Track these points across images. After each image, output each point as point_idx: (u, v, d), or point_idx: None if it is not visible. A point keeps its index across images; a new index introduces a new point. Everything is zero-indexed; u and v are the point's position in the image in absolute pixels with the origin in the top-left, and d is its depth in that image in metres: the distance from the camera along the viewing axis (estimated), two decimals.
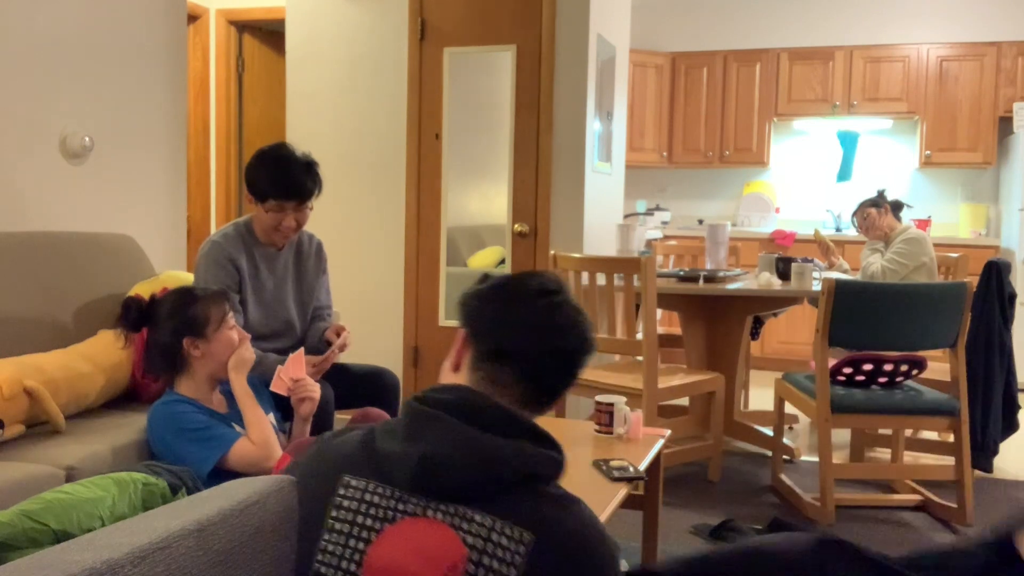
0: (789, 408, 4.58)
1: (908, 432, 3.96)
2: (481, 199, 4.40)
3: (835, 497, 3.21)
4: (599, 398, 2.50)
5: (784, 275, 4.03)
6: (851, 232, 6.21)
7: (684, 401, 4.44)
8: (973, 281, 3.24)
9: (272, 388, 2.37)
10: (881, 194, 4.40)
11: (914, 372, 3.25)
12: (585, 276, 3.57)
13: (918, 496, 3.36)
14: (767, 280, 3.81)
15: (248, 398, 2.25)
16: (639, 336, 3.36)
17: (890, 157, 6.47)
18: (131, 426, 2.38)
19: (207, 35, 5.60)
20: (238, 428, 2.25)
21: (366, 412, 2.48)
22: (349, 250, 4.63)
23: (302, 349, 2.46)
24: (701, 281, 3.84)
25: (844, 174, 6.45)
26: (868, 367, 3.23)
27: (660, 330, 4.69)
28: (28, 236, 2.73)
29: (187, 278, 2.87)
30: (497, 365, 1.27)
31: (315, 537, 1.21)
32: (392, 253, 4.55)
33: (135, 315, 2.33)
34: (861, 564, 1.33)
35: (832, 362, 3.24)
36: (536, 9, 4.22)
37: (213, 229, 5.53)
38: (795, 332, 6.15)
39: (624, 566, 2.63)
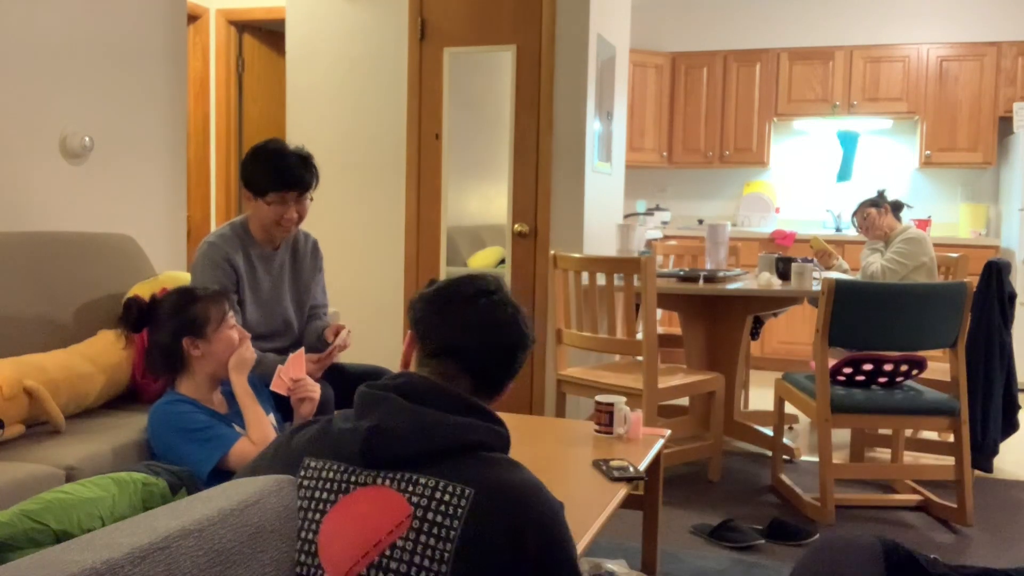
0: (789, 408, 4.58)
1: (908, 432, 3.96)
2: (481, 199, 4.40)
3: (835, 497, 3.21)
4: (599, 398, 2.50)
5: (784, 275, 4.03)
6: (851, 232, 6.21)
7: (684, 401, 4.44)
8: (973, 281, 3.24)
9: (272, 388, 2.37)
10: (881, 194, 4.40)
11: (914, 372, 3.25)
12: (585, 276, 3.57)
13: (918, 496, 3.36)
14: (767, 280, 3.81)
15: (248, 398, 2.25)
16: (639, 336, 3.36)
17: (890, 157, 6.47)
18: (131, 426, 2.38)
19: (207, 35, 5.60)
20: (238, 428, 2.25)
21: None
22: (349, 250, 4.63)
23: (303, 349, 2.46)
24: (701, 281, 3.84)
25: (844, 174, 6.45)
26: (868, 367, 3.23)
27: (660, 330, 4.69)
28: (28, 236, 2.73)
29: (187, 278, 2.87)
30: (442, 361, 1.38)
31: None
32: (392, 253, 4.55)
33: (136, 315, 2.33)
34: None
35: (832, 362, 3.24)
36: (536, 9, 4.22)
37: (213, 229, 5.53)
38: (795, 332, 6.15)
39: (624, 566, 2.64)
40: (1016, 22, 6.13)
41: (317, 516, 1.26)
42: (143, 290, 2.75)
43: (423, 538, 1.21)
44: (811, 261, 4.17)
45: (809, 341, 5.94)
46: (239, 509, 1.09)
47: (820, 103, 6.34)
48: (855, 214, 4.41)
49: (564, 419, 2.87)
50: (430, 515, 1.21)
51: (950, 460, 3.81)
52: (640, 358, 3.38)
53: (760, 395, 5.30)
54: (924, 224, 6.08)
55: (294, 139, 4.69)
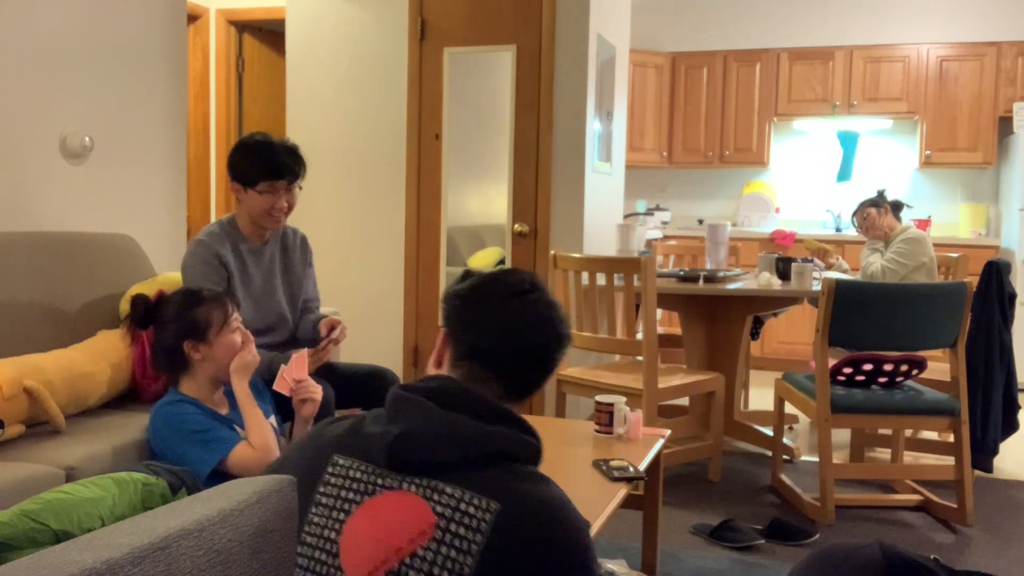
0: (789, 408, 4.58)
1: (908, 432, 3.96)
2: (481, 199, 4.40)
3: (835, 497, 3.21)
4: (599, 398, 2.50)
5: (784, 275, 4.03)
6: (851, 232, 6.21)
7: (684, 401, 4.44)
8: (973, 281, 3.24)
9: (275, 388, 2.37)
10: (881, 194, 4.40)
11: (914, 372, 3.25)
12: (585, 276, 3.57)
13: (918, 496, 3.36)
14: (767, 280, 3.81)
15: (249, 402, 2.24)
16: (639, 336, 3.36)
17: (890, 157, 6.47)
18: (131, 426, 2.38)
19: (207, 35, 5.60)
20: (239, 430, 2.25)
21: None
22: (349, 250, 4.63)
23: (305, 350, 2.46)
24: (701, 281, 3.84)
25: (844, 174, 6.45)
26: (868, 367, 3.23)
27: (660, 330, 4.69)
28: (28, 236, 2.73)
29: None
30: (474, 363, 1.35)
31: (304, 510, 1.29)
32: (392, 253, 4.55)
33: (142, 312, 2.33)
34: None
35: (832, 362, 3.24)
36: (536, 9, 4.22)
37: None
38: (795, 332, 6.15)
39: (624, 566, 2.64)
40: (1016, 22, 6.13)
41: (341, 516, 1.25)
42: (142, 290, 2.75)
43: (444, 549, 1.18)
44: (811, 261, 4.17)
45: (809, 341, 5.95)
46: (239, 509, 1.09)
47: (820, 103, 6.34)
48: (855, 214, 4.41)
49: (564, 419, 2.87)
50: (453, 526, 1.19)
51: (950, 460, 3.81)
52: (640, 358, 3.38)
53: (760, 395, 5.30)
54: (924, 224, 6.08)
55: (294, 139, 4.68)
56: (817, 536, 3.00)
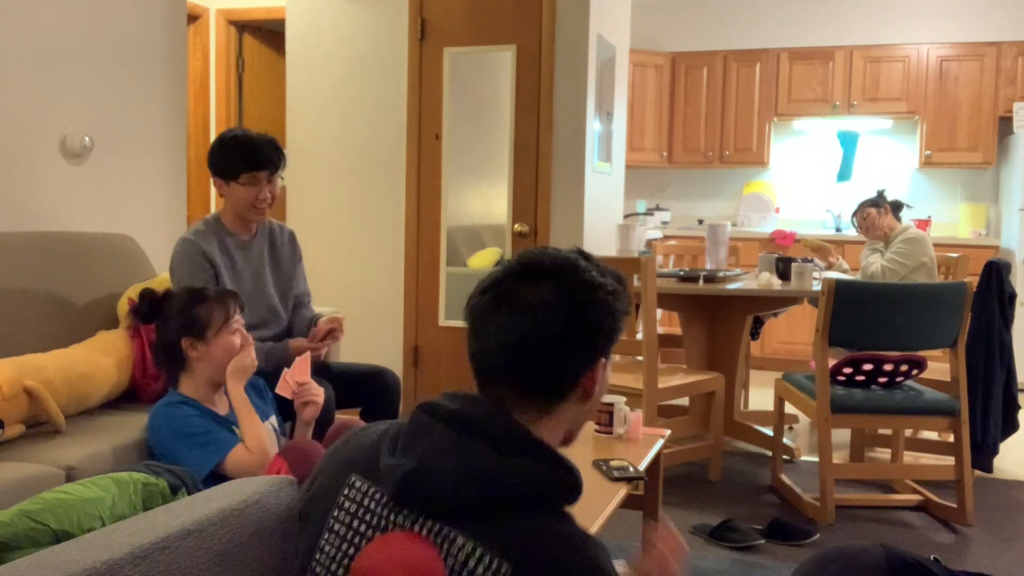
0: (789, 408, 4.58)
1: (908, 432, 3.96)
2: (481, 199, 4.40)
3: (835, 497, 3.21)
4: None
5: (784, 275, 4.03)
6: (851, 232, 6.21)
7: (684, 401, 4.43)
8: (973, 281, 3.24)
9: (277, 391, 2.37)
10: (881, 194, 4.40)
11: (914, 372, 3.25)
12: None
13: (918, 496, 3.36)
14: (767, 280, 3.81)
15: (244, 405, 2.23)
16: (639, 336, 3.36)
17: (890, 157, 6.47)
18: (131, 426, 2.38)
19: (207, 35, 5.60)
20: (238, 431, 2.24)
21: (343, 425, 2.44)
22: (349, 250, 4.63)
23: (308, 353, 2.46)
24: (701, 281, 3.84)
25: (844, 174, 6.45)
26: (868, 367, 3.23)
27: (660, 330, 4.69)
28: (28, 236, 2.73)
29: None
30: (489, 382, 1.21)
31: (320, 527, 1.20)
32: (392, 253, 4.55)
33: (147, 308, 2.33)
34: None
35: (832, 362, 3.24)
36: (536, 9, 4.22)
37: None
38: (795, 332, 6.15)
39: (624, 566, 2.64)
40: (1016, 22, 6.13)
41: (351, 551, 1.15)
42: (137, 292, 2.75)
43: None
44: (811, 261, 4.17)
45: (809, 341, 5.94)
46: (239, 509, 1.09)
47: (820, 103, 6.34)
48: (855, 214, 4.41)
49: None
50: None
51: (950, 460, 3.81)
52: (640, 358, 3.38)
53: (760, 395, 5.30)
54: (924, 224, 6.08)
55: (294, 139, 4.70)
56: (817, 536, 3.00)
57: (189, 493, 1.87)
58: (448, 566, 1.08)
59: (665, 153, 6.69)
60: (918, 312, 3.09)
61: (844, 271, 4.51)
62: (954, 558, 2.88)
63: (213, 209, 5.61)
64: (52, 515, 1.55)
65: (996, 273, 3.53)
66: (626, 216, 6.61)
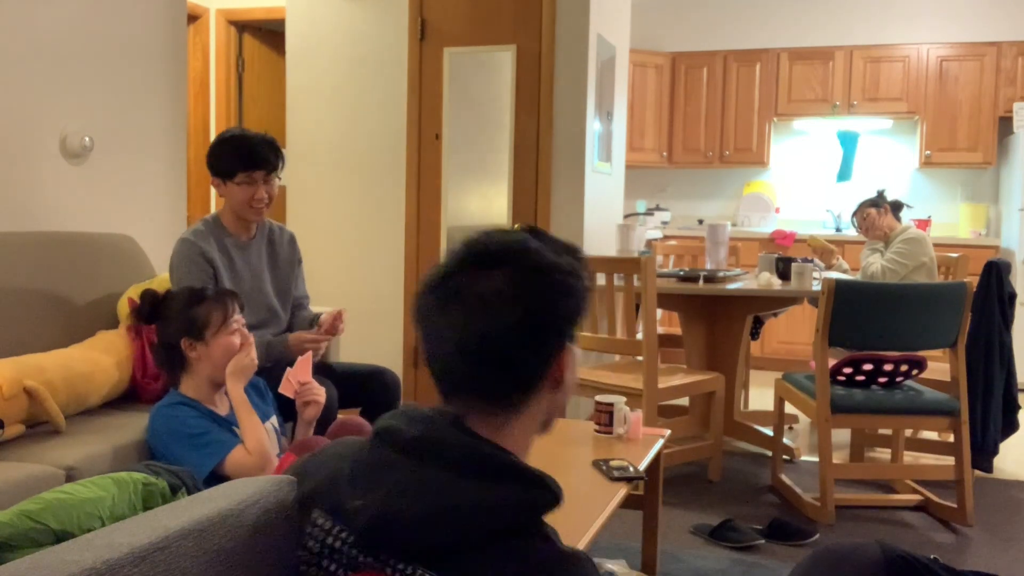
0: (789, 408, 4.58)
1: (908, 432, 3.96)
2: (481, 199, 4.40)
3: (835, 497, 3.21)
4: (599, 398, 2.50)
5: (784, 275, 4.03)
6: (851, 232, 6.21)
7: (684, 401, 4.44)
8: (973, 281, 3.24)
9: (280, 390, 2.37)
10: (881, 194, 4.40)
11: (914, 372, 3.25)
12: None
13: (918, 496, 3.36)
14: (767, 280, 3.81)
15: (244, 406, 2.23)
16: (639, 336, 3.36)
17: (890, 157, 6.47)
18: (131, 426, 2.38)
19: (207, 35, 5.60)
20: (239, 431, 2.24)
21: (343, 423, 2.43)
22: (349, 250, 4.63)
23: (310, 353, 2.46)
24: (701, 281, 3.84)
25: (844, 174, 6.45)
26: (868, 367, 3.23)
27: (660, 330, 4.69)
28: (28, 236, 2.73)
29: None
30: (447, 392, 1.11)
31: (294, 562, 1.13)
32: (392, 253, 4.55)
33: (148, 308, 2.33)
34: None
35: (832, 362, 3.24)
36: (536, 9, 4.22)
37: None
38: (795, 332, 6.15)
39: (624, 566, 2.64)
40: (1016, 22, 6.13)
41: None
42: (137, 293, 2.75)
43: None
44: (811, 261, 4.17)
45: (809, 341, 5.94)
46: (239, 509, 1.09)
47: (820, 103, 6.34)
48: (855, 214, 4.41)
49: (564, 419, 2.87)
50: None
51: (950, 460, 3.81)
52: (640, 358, 3.38)
53: (760, 395, 5.30)
54: (924, 224, 6.08)
55: (293, 139, 4.70)
56: (817, 536, 3.00)
57: (189, 493, 1.87)
58: None
59: (665, 153, 6.69)
60: (918, 312, 3.09)
61: (844, 271, 4.51)
62: (954, 558, 2.88)
63: (213, 209, 5.61)
64: (52, 515, 1.55)
65: (996, 273, 3.53)
66: (626, 216, 6.61)
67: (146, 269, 3.10)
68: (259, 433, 2.21)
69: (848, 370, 3.25)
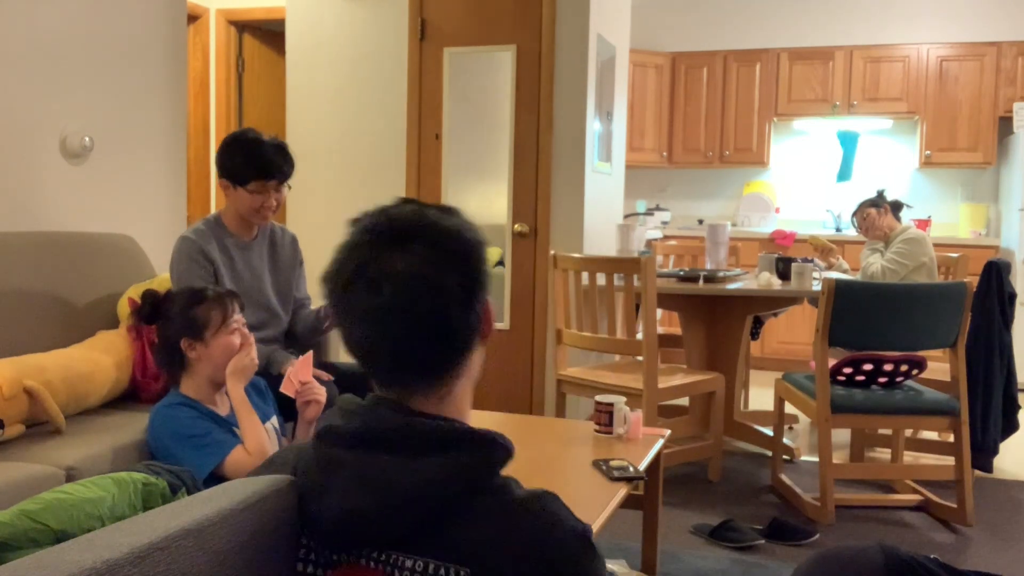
0: (789, 408, 4.58)
1: (908, 432, 3.96)
2: (481, 199, 4.40)
3: (835, 497, 3.21)
4: (599, 398, 2.50)
5: (784, 275, 4.03)
6: (851, 232, 6.21)
7: (684, 401, 4.44)
8: (973, 281, 3.24)
9: (282, 390, 2.37)
10: (881, 194, 4.40)
11: (914, 372, 3.25)
12: (585, 276, 3.57)
13: (918, 496, 3.36)
14: (767, 280, 3.81)
15: (244, 406, 2.23)
16: (639, 336, 3.36)
17: (890, 157, 6.47)
18: (131, 426, 2.38)
19: (207, 35, 5.60)
20: (239, 431, 2.24)
21: None
22: None
23: (311, 352, 2.46)
24: (701, 281, 3.84)
25: (844, 174, 6.45)
26: (868, 367, 3.23)
27: (660, 330, 4.69)
28: (28, 236, 2.73)
29: None
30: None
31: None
32: None
33: (149, 308, 2.33)
34: None
35: (832, 362, 3.24)
36: (536, 9, 4.22)
37: None
38: (795, 332, 6.15)
39: (624, 566, 2.64)
40: (1016, 22, 6.13)
41: None
42: (137, 293, 2.75)
43: None
44: (811, 261, 4.17)
45: (809, 341, 5.94)
46: (239, 509, 1.09)
47: (820, 103, 6.34)
48: (855, 214, 4.41)
49: (564, 419, 2.87)
50: None
51: (950, 460, 3.81)
52: (640, 358, 3.38)
53: (760, 395, 5.30)
54: (924, 224, 6.08)
55: (294, 139, 4.69)
56: (817, 536, 3.00)
57: (189, 493, 1.87)
58: None
59: (665, 153, 6.69)
60: (918, 312, 3.09)
61: (844, 271, 4.51)
62: (954, 558, 2.88)
63: (213, 209, 5.61)
64: (52, 515, 1.55)
65: (996, 273, 3.53)
66: (626, 216, 6.61)
67: (146, 269, 3.10)
68: (259, 433, 2.21)
69: (848, 370, 3.25)
